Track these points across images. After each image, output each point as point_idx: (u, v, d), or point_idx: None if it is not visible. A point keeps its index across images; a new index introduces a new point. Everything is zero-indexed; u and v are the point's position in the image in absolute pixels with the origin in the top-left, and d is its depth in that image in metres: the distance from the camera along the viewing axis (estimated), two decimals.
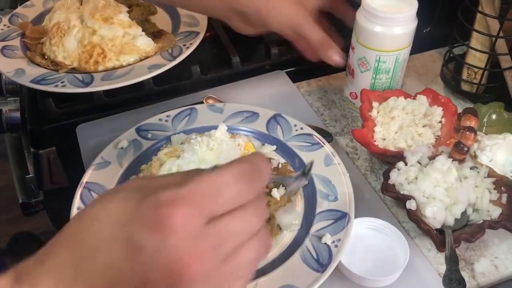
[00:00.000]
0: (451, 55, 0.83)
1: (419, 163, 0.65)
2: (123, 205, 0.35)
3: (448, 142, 0.69)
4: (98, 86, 0.80)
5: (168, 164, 0.65)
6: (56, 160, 0.81)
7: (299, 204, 0.65)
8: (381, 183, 0.65)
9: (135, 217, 0.34)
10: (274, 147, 0.72)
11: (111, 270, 0.34)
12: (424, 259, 0.62)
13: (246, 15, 0.74)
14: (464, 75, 0.82)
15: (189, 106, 0.77)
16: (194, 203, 0.33)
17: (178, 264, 0.33)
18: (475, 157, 0.68)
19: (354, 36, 0.76)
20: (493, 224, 0.59)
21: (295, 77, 0.88)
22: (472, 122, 0.65)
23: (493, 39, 0.76)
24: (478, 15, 0.77)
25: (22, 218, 1.02)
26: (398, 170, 0.65)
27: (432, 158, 0.65)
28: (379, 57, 0.74)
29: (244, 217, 0.35)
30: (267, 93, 0.84)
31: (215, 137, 0.67)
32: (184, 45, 0.88)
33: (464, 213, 0.62)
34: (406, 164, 0.65)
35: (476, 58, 0.80)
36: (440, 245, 0.59)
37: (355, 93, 0.80)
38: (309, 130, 0.73)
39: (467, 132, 0.64)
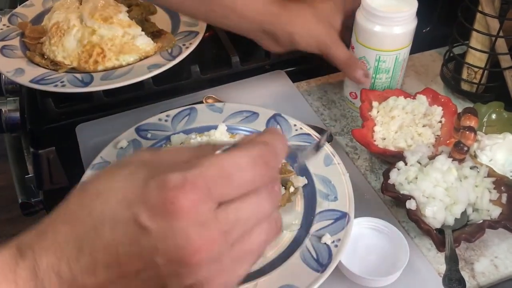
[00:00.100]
0: (451, 54, 0.83)
1: (419, 163, 0.65)
2: (130, 184, 0.34)
3: (448, 141, 0.69)
4: (98, 86, 0.80)
5: None
6: (56, 160, 0.81)
7: (299, 204, 0.65)
8: (381, 183, 0.65)
9: (141, 199, 0.33)
10: None
11: (115, 250, 0.33)
12: (424, 259, 0.61)
13: (277, 37, 0.76)
14: (464, 75, 0.82)
15: (189, 106, 0.77)
16: (204, 188, 0.32)
17: (186, 250, 0.32)
18: (475, 156, 0.68)
19: (354, 35, 0.76)
20: (493, 224, 0.59)
21: (295, 77, 0.88)
22: (472, 122, 0.65)
23: (493, 38, 0.76)
24: (478, 15, 0.77)
25: (21, 218, 1.01)
26: (398, 170, 0.65)
27: (432, 158, 0.65)
28: (379, 57, 0.74)
29: (256, 202, 0.34)
30: (267, 93, 0.84)
31: (215, 137, 0.68)
32: (184, 44, 0.87)
33: (464, 213, 0.62)
34: (406, 164, 0.65)
35: (476, 58, 0.80)
36: (440, 245, 0.59)
37: (355, 93, 0.80)
38: (308, 130, 0.73)
39: (467, 132, 0.64)
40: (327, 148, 0.70)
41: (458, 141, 0.65)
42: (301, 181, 0.66)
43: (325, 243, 0.59)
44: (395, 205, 0.67)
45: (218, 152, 0.35)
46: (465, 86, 0.83)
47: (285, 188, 0.65)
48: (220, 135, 0.68)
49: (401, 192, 0.63)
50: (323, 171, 0.67)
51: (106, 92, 0.81)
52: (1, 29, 0.92)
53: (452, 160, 0.64)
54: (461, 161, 0.65)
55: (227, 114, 0.76)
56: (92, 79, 0.81)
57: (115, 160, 0.35)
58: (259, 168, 0.34)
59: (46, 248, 0.34)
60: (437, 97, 0.75)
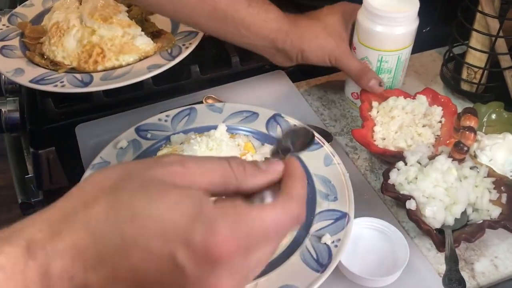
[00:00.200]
0: (451, 54, 0.83)
1: (419, 163, 0.65)
2: (172, 217, 0.33)
3: (448, 142, 0.69)
4: (98, 86, 0.80)
5: None
6: (56, 160, 0.81)
7: None
8: (381, 183, 0.65)
9: (183, 239, 0.33)
10: None
11: (142, 275, 0.33)
12: (424, 259, 0.61)
13: (289, 54, 0.77)
14: (464, 75, 0.82)
15: (189, 106, 0.77)
16: (245, 246, 0.34)
17: None
18: (475, 156, 0.68)
19: (355, 36, 0.76)
20: (493, 224, 0.59)
21: (295, 77, 0.88)
22: (472, 122, 0.65)
23: (493, 38, 0.76)
24: (478, 15, 0.77)
25: (21, 218, 1.02)
26: (398, 170, 0.65)
27: (432, 158, 0.65)
28: (381, 57, 0.74)
29: (276, 245, 0.38)
30: (267, 93, 0.84)
31: (215, 137, 0.67)
32: (184, 44, 0.87)
33: (464, 213, 0.62)
34: (406, 164, 0.65)
35: (476, 58, 0.80)
36: (440, 245, 0.59)
37: (356, 93, 0.80)
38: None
39: (467, 132, 0.64)
40: (327, 148, 0.70)
41: (458, 141, 0.65)
42: None
43: (325, 243, 0.59)
44: (395, 205, 0.67)
45: (256, 201, 0.38)
46: (465, 86, 0.83)
47: None
48: (220, 135, 0.68)
49: (401, 192, 0.63)
50: (323, 171, 0.67)
51: (106, 92, 0.81)
52: (1, 29, 0.92)
53: (452, 160, 0.64)
54: (461, 161, 0.64)
55: (227, 114, 0.76)
56: (91, 79, 0.81)
57: (137, 165, 0.33)
58: (294, 226, 0.38)
59: (62, 252, 0.33)
60: (437, 97, 0.75)
